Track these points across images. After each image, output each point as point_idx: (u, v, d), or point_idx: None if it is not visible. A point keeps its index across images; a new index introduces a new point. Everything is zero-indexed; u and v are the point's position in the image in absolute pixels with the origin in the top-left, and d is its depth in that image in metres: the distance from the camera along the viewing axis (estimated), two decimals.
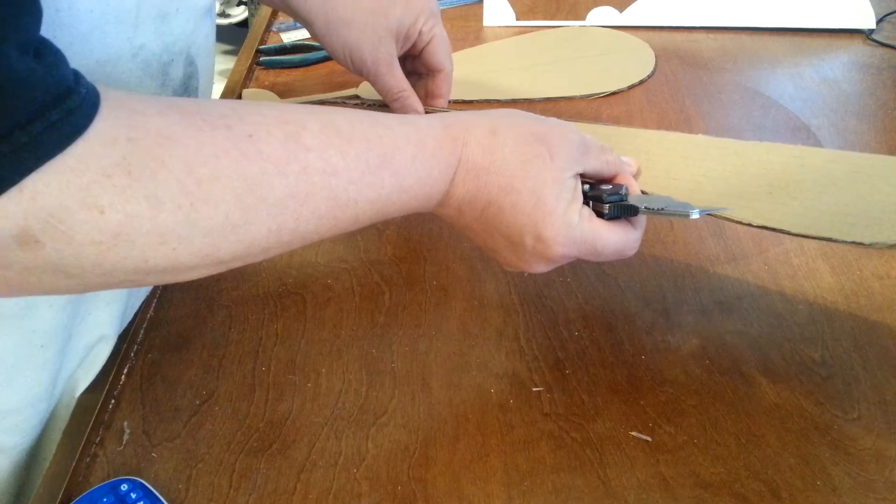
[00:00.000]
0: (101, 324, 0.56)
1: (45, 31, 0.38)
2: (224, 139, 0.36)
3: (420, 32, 0.61)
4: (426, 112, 0.62)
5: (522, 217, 0.43)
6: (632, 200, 0.47)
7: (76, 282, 0.34)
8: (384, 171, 0.41)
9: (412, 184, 0.42)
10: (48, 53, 0.31)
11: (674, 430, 0.49)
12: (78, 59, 0.42)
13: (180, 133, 0.35)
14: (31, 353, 0.51)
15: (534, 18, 1.03)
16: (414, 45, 0.63)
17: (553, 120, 0.47)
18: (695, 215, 0.46)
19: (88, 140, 0.31)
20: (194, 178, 0.34)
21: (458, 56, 0.95)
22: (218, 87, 0.84)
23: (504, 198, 0.43)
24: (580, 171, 0.45)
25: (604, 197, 0.46)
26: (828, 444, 0.48)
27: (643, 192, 0.50)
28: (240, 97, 0.87)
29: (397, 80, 0.61)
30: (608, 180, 0.48)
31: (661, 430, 0.49)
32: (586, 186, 0.47)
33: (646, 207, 0.46)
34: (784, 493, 0.46)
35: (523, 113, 0.47)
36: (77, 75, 0.32)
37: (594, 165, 0.46)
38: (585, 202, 0.46)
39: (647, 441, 0.49)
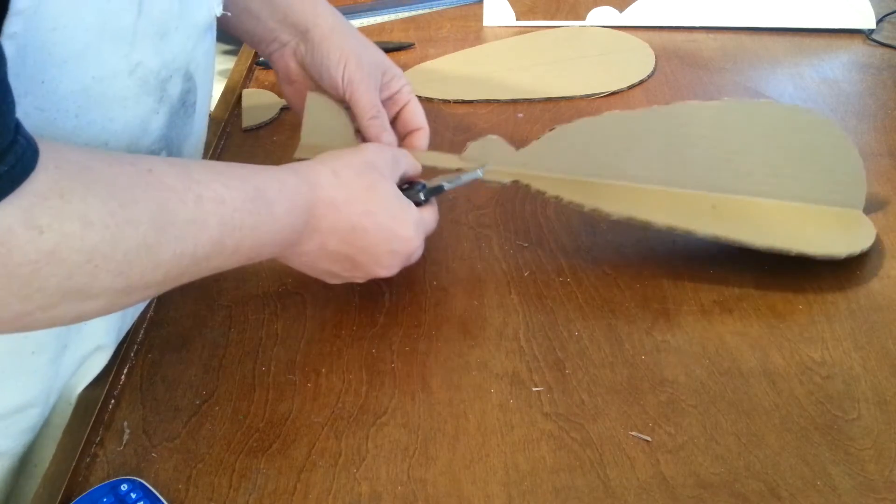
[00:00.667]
0: (97, 334, 0.55)
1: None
2: (132, 172, 0.40)
3: (400, 91, 0.65)
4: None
5: (384, 230, 0.53)
6: (432, 184, 0.60)
7: None
8: (259, 201, 0.46)
9: (281, 213, 0.48)
10: None
11: (674, 430, 0.49)
12: (74, 75, 0.42)
13: (96, 165, 0.39)
14: (22, 359, 0.51)
15: (534, 18, 1.03)
16: (393, 102, 0.65)
17: (367, 145, 0.57)
18: (480, 174, 0.61)
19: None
20: (117, 202, 0.38)
21: (458, 56, 0.95)
22: (218, 88, 0.84)
23: (365, 220, 0.52)
24: (399, 177, 0.57)
25: (416, 188, 0.58)
26: (828, 444, 0.48)
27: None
28: (240, 97, 0.88)
29: (378, 100, 0.63)
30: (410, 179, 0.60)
31: (661, 430, 0.49)
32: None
33: (447, 182, 0.60)
34: (784, 493, 0.46)
35: (345, 149, 0.56)
36: (18, 126, 0.35)
37: (404, 170, 0.58)
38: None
39: (647, 441, 0.49)
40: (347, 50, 0.61)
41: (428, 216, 0.58)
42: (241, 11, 0.63)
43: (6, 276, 0.35)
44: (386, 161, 0.55)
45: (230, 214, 0.44)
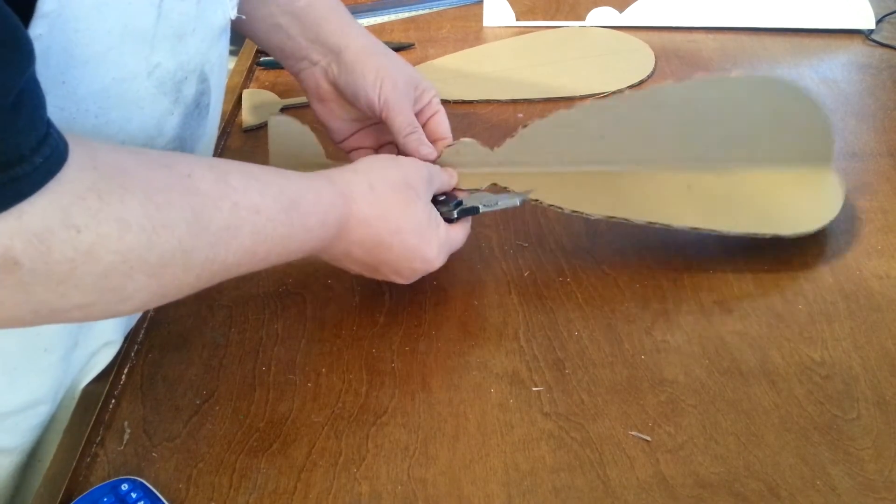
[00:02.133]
0: (107, 332, 0.56)
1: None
2: (168, 175, 0.40)
3: (430, 103, 0.65)
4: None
5: (409, 250, 0.54)
6: (468, 203, 0.59)
7: (32, 307, 0.36)
8: (294, 212, 0.47)
9: (313, 225, 0.48)
10: (28, 100, 0.33)
11: (674, 430, 0.49)
12: (95, 76, 0.43)
13: (133, 167, 0.39)
14: (35, 356, 0.51)
15: (534, 19, 1.03)
16: (422, 113, 0.65)
17: (405, 160, 0.58)
18: (517, 201, 0.60)
19: (64, 168, 0.35)
20: (154, 205, 0.38)
21: (458, 56, 0.95)
22: None
23: (393, 237, 0.53)
24: (433, 194, 0.57)
25: (450, 205, 0.58)
26: (828, 444, 0.48)
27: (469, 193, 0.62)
28: (240, 97, 0.88)
29: (413, 117, 0.63)
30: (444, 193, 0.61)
31: (661, 430, 0.50)
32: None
33: (483, 205, 0.59)
34: (784, 492, 0.46)
35: (382, 158, 0.57)
36: (49, 122, 0.35)
37: (437, 187, 0.59)
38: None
39: (647, 441, 0.49)
40: (382, 71, 0.61)
41: (455, 235, 0.58)
42: (271, 27, 0.63)
43: (45, 274, 0.35)
44: (422, 178, 0.56)
45: (263, 224, 0.44)
